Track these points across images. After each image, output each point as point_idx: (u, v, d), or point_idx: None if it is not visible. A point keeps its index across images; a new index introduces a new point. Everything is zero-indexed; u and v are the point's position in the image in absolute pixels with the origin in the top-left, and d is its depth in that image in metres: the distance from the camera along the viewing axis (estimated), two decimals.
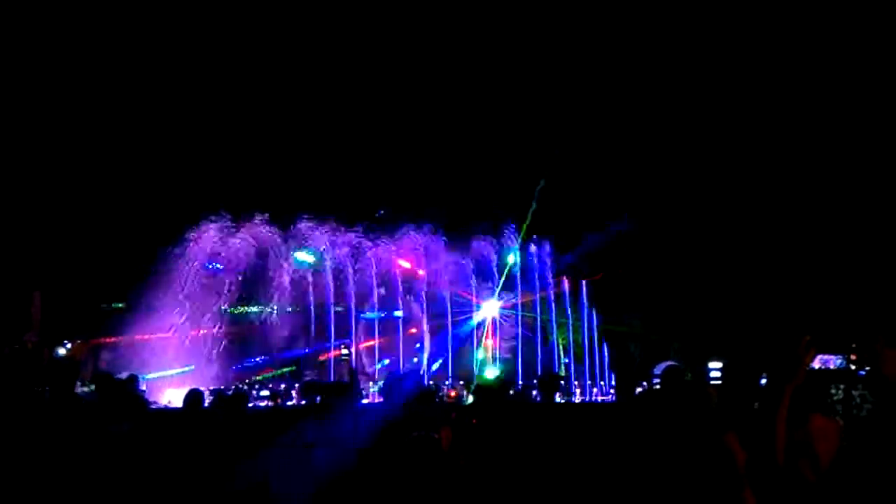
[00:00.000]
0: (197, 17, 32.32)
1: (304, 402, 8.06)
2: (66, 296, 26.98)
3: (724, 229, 31.56)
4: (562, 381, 26.71)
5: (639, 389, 19.66)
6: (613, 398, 27.94)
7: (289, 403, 24.05)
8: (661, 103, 32.95)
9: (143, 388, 17.83)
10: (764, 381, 3.06)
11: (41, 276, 27.85)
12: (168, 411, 17.31)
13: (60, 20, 29.68)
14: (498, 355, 31.85)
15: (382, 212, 31.94)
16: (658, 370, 9.49)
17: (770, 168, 31.05)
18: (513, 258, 31.72)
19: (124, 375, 9.21)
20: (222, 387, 24.82)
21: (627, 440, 5.64)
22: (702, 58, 32.46)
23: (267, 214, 28.85)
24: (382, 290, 31.27)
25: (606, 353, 32.63)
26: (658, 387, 7.24)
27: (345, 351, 30.38)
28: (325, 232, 29.69)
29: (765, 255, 30.50)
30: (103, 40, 30.60)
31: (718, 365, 24.72)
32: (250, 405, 15.50)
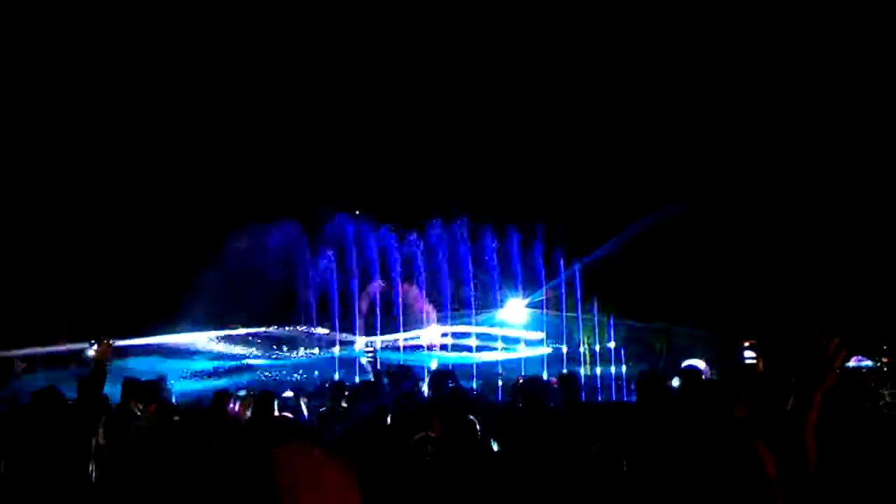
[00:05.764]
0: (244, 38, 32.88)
1: (330, 405, 7.97)
2: (94, 300, 27.30)
3: (752, 226, 31.07)
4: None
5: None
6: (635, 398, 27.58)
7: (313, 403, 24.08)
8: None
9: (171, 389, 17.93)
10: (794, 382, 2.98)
11: (68, 282, 28.24)
12: (194, 411, 17.41)
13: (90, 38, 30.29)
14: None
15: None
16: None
17: (812, 167, 30.45)
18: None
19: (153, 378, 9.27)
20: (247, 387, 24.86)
21: (648, 442, 5.58)
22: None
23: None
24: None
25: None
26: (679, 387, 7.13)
27: (369, 349, 30.26)
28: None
29: (796, 255, 30.00)
30: (141, 61, 31.34)
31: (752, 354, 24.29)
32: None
